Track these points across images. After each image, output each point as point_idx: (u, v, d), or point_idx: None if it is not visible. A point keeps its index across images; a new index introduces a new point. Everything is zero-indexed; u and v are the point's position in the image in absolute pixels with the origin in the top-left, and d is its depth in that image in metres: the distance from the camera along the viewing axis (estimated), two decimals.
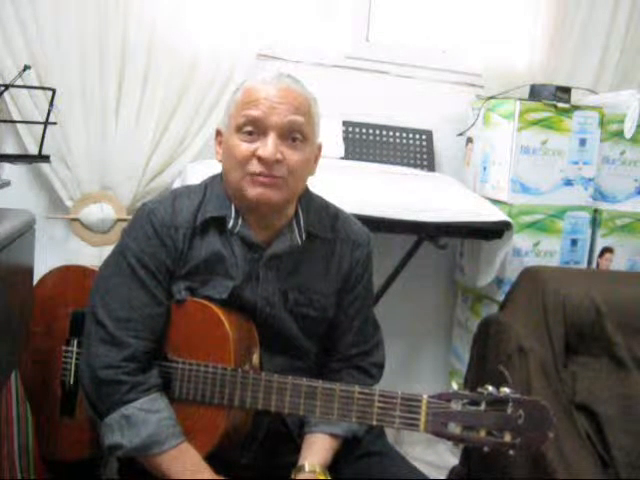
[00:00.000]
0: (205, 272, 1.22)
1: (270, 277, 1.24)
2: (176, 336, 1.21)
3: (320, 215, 1.31)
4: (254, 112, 1.16)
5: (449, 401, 1.11)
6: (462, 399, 1.11)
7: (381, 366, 1.37)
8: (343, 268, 1.30)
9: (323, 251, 1.29)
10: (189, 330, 1.20)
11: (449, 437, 1.11)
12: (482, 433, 1.10)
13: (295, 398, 1.16)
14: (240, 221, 1.23)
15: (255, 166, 1.16)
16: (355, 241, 1.32)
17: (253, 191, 1.17)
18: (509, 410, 1.09)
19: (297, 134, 1.18)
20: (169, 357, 1.21)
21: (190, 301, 1.21)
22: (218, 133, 1.27)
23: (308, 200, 1.30)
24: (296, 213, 1.27)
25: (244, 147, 1.17)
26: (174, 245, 1.21)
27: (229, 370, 1.17)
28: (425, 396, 1.12)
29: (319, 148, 1.29)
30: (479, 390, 1.11)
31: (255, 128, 1.17)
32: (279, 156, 1.16)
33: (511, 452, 1.10)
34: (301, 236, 1.25)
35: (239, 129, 1.18)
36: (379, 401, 1.14)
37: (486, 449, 1.11)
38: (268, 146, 1.15)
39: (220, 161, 1.26)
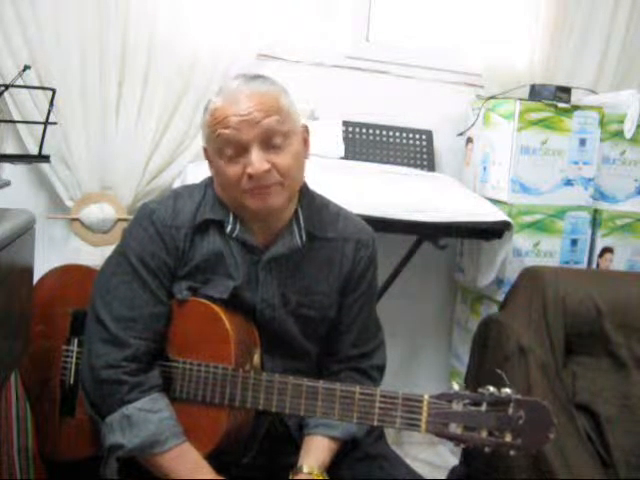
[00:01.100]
0: (206, 272, 1.22)
1: (270, 280, 1.24)
2: (177, 336, 1.21)
3: (321, 214, 1.29)
4: (226, 131, 1.14)
5: (450, 401, 1.11)
6: (463, 399, 1.11)
7: (382, 368, 1.36)
8: (345, 268, 1.29)
9: (324, 251, 1.28)
10: (190, 330, 1.20)
11: (450, 437, 1.11)
12: (483, 433, 1.10)
13: (296, 398, 1.16)
14: (238, 225, 1.22)
15: (248, 184, 1.15)
16: (358, 240, 1.31)
17: (254, 203, 1.17)
18: (510, 411, 1.09)
19: (277, 137, 1.15)
20: (170, 357, 1.21)
21: (191, 301, 1.21)
22: (205, 150, 1.24)
23: (309, 199, 1.29)
24: (296, 213, 1.26)
25: (232, 171, 1.16)
26: (175, 245, 1.21)
27: (230, 370, 1.17)
28: (426, 396, 1.12)
29: (305, 131, 1.25)
30: (480, 390, 1.11)
31: (234, 149, 1.15)
32: (267, 166, 1.14)
33: (512, 453, 1.10)
34: (301, 237, 1.24)
35: (220, 153, 1.16)
36: (380, 401, 1.13)
37: (487, 450, 1.10)
38: (254, 163, 1.13)
39: (213, 175, 1.25)
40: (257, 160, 1.13)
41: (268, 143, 1.15)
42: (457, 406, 1.11)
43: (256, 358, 1.23)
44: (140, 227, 1.21)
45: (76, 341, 1.40)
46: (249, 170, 1.14)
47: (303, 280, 1.26)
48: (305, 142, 1.25)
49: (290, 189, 1.20)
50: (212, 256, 1.22)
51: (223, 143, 1.15)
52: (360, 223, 1.34)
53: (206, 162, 1.26)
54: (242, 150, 1.14)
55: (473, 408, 1.10)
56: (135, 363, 1.16)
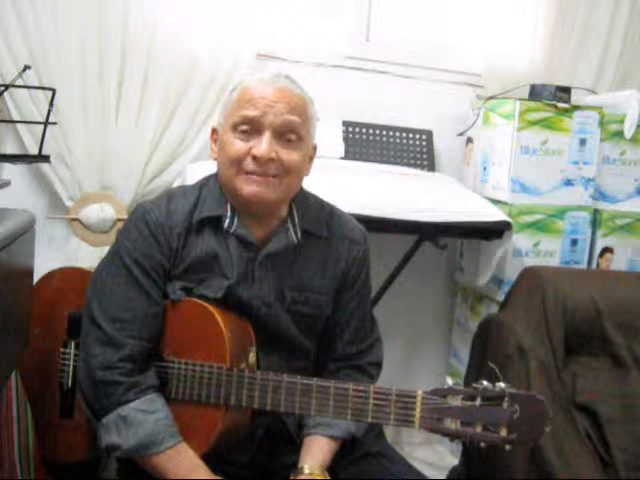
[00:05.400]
0: (200, 271, 1.22)
1: (266, 276, 1.24)
2: (172, 336, 1.21)
3: (315, 213, 1.30)
4: (250, 112, 1.17)
5: (444, 397, 1.11)
6: (457, 394, 1.11)
7: (379, 365, 1.37)
8: (340, 266, 1.30)
9: (319, 249, 1.29)
10: (185, 330, 1.20)
11: (444, 433, 1.11)
12: (478, 428, 1.09)
13: (290, 396, 1.16)
14: (236, 220, 1.23)
15: (249, 164, 1.17)
16: (351, 239, 1.32)
17: (247, 189, 1.18)
18: (505, 405, 1.09)
19: (292, 134, 1.19)
20: (165, 357, 1.21)
21: (185, 300, 1.21)
22: (214, 131, 1.27)
23: (303, 198, 1.30)
24: (291, 212, 1.27)
25: (239, 145, 1.18)
26: (169, 245, 1.21)
27: (225, 369, 1.17)
28: (420, 392, 1.12)
29: (314, 149, 1.29)
30: (474, 385, 1.11)
31: (250, 127, 1.17)
32: (273, 155, 1.16)
33: (507, 447, 1.10)
34: (297, 234, 1.26)
35: (235, 128, 1.19)
36: (374, 398, 1.14)
37: (482, 444, 1.10)
38: (262, 145, 1.16)
39: (215, 159, 1.26)
40: (266, 144, 1.16)
41: (282, 136, 1.18)
42: (451, 401, 1.10)
43: (252, 357, 1.22)
44: (134, 227, 1.22)
45: (73, 343, 1.40)
46: (254, 151, 1.16)
47: (298, 277, 1.27)
48: (310, 159, 1.28)
49: (285, 189, 1.21)
50: (206, 256, 1.22)
51: (242, 120, 1.18)
52: (352, 222, 1.35)
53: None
54: (256, 132, 1.17)
55: (467, 403, 1.10)
56: (131, 363, 1.16)
